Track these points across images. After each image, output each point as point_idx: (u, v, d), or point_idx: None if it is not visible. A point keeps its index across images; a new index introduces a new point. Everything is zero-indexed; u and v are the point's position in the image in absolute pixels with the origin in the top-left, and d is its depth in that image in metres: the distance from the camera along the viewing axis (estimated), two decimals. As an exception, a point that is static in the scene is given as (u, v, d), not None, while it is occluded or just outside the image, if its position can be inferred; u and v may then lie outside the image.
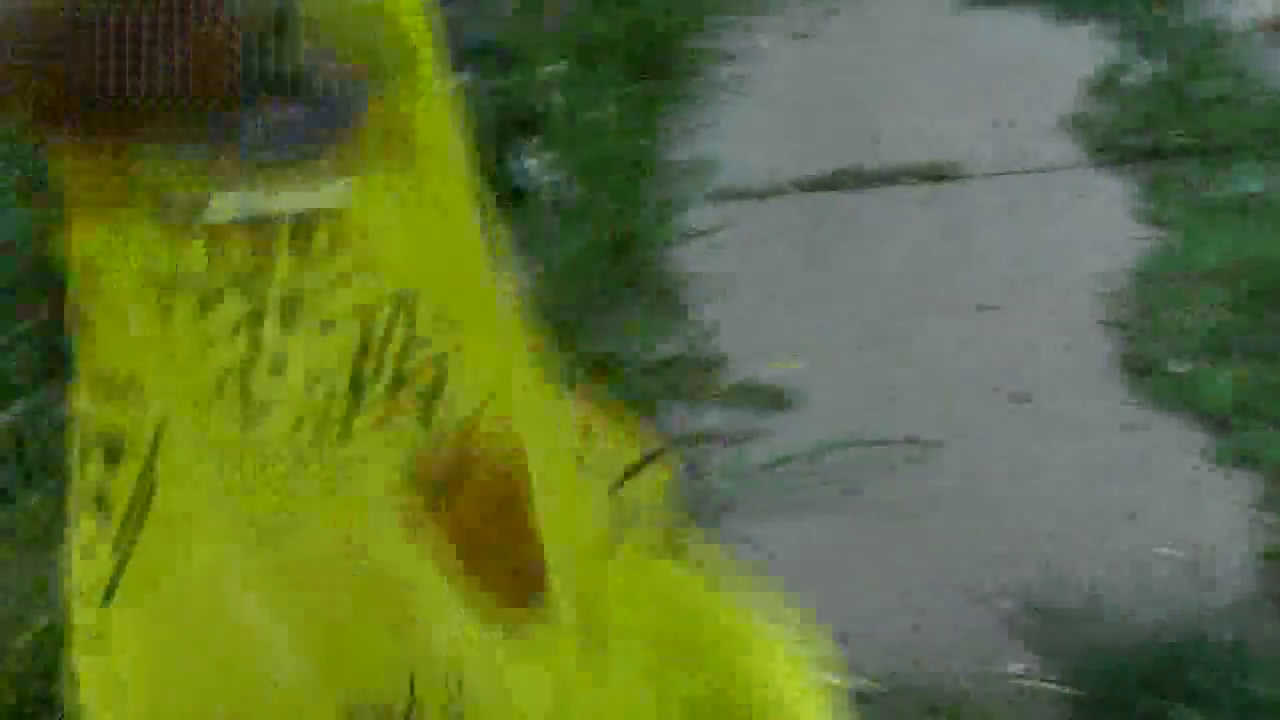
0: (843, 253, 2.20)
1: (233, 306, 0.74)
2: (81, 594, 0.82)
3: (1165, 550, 1.56)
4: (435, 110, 0.75)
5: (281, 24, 0.66)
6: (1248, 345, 1.85)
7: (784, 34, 2.85)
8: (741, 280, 2.15)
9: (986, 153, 2.41)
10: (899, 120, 2.52)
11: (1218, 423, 1.75)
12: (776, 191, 2.32)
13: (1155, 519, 1.63)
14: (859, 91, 2.64)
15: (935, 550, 1.60)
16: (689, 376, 1.94)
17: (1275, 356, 1.82)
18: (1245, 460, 1.69)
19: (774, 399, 1.87)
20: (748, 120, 2.55)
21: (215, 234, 0.73)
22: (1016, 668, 1.42)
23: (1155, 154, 2.35)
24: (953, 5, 2.95)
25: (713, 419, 1.85)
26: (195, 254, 0.73)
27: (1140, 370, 1.86)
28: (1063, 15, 2.86)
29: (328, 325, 0.76)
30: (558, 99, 2.52)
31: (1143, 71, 2.60)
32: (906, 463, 1.73)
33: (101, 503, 0.79)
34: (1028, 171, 2.37)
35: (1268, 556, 1.55)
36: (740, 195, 2.33)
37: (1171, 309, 1.96)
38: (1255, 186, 2.12)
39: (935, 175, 2.34)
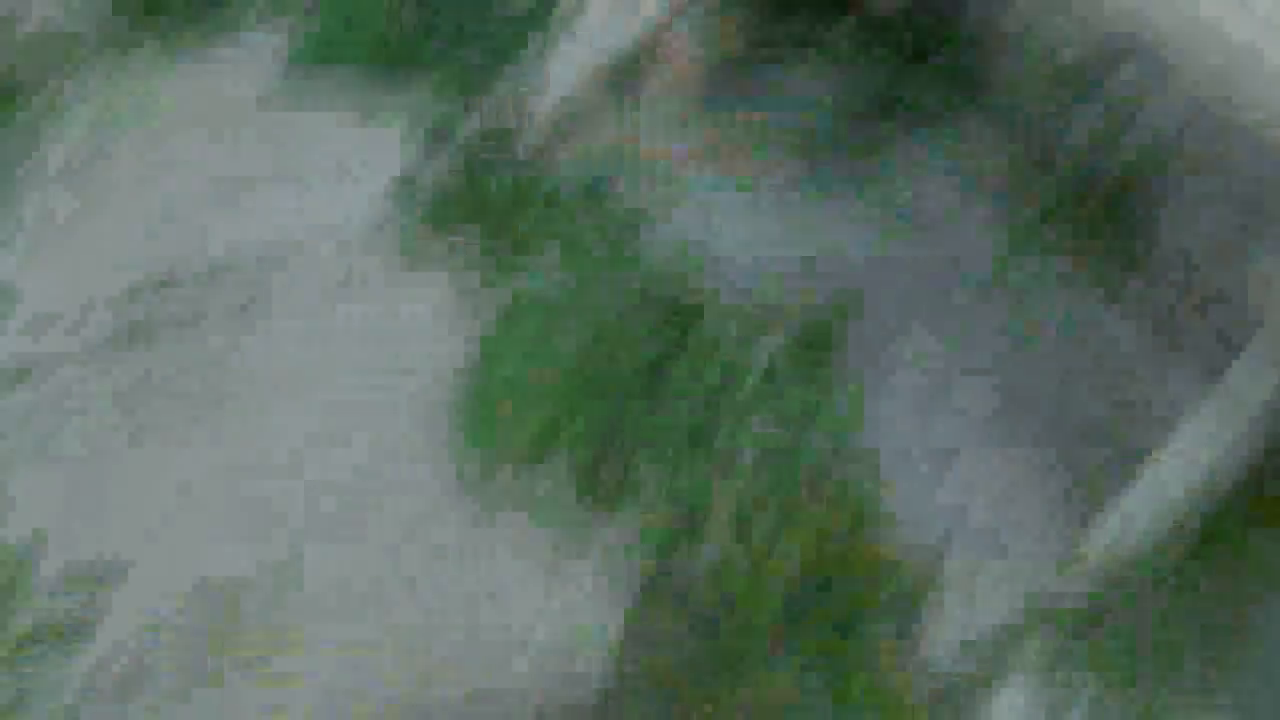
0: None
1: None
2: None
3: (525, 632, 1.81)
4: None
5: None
6: (575, 439, 1.95)
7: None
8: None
9: (291, 263, 2.18)
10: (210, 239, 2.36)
11: (556, 516, 1.93)
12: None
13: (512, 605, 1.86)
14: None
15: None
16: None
17: (604, 446, 1.94)
18: (581, 548, 1.91)
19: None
20: None
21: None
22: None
23: (457, 255, 2.34)
24: (271, 88, 2.79)
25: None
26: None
27: (478, 479, 1.98)
28: (370, 112, 2.76)
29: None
30: None
31: (439, 169, 2.59)
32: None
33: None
34: (337, 285, 2.15)
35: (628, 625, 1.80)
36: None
37: (500, 412, 2.04)
38: (543, 283, 2.19)
39: (242, 301, 2.19)
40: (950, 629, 2.22)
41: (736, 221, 2.42)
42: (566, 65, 2.61)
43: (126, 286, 2.18)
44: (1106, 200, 2.41)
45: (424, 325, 2.19)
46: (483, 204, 2.40)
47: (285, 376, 2.08)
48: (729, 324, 2.05)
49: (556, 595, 1.88)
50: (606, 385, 2.01)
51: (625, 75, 2.59)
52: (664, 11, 2.49)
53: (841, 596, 1.99)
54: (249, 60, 2.82)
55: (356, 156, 2.55)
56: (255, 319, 2.12)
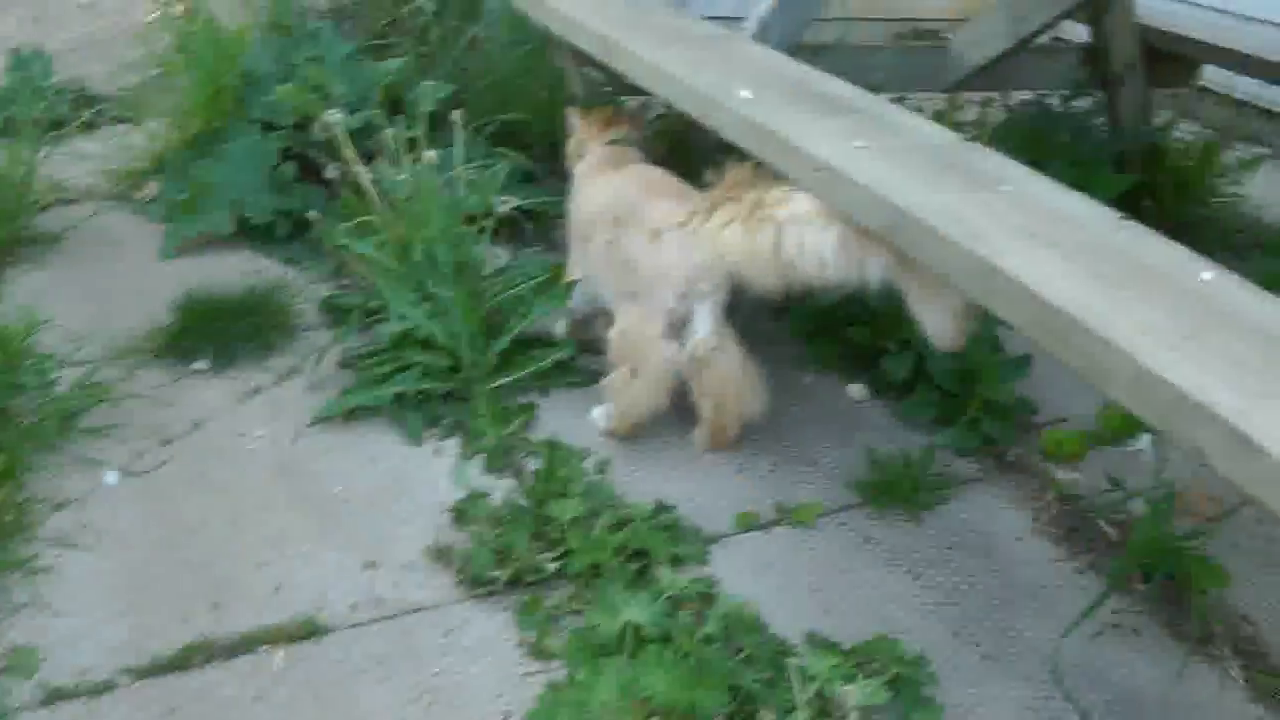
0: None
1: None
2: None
3: None
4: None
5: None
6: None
7: (112, 475, 2.51)
8: None
9: (349, 600, 2.20)
10: (251, 576, 2.26)
11: None
12: (109, 686, 1.98)
13: None
14: (203, 546, 2.34)
15: None
16: None
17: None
18: None
19: None
20: (77, 591, 2.20)
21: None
22: None
23: (524, 582, 2.25)
24: (295, 428, 2.70)
25: None
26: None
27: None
28: (417, 434, 2.71)
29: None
30: None
31: (503, 495, 2.51)
32: None
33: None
34: (394, 616, 2.18)
35: None
36: (64, 697, 1.96)
37: None
38: (630, 616, 2.05)
39: (296, 635, 2.11)
40: None
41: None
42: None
43: (155, 653, 2.11)
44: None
45: (495, 657, 2.15)
46: (542, 529, 2.32)
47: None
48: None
49: None
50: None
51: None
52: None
53: None
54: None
55: (408, 478, 2.53)
56: (309, 667, 2.06)
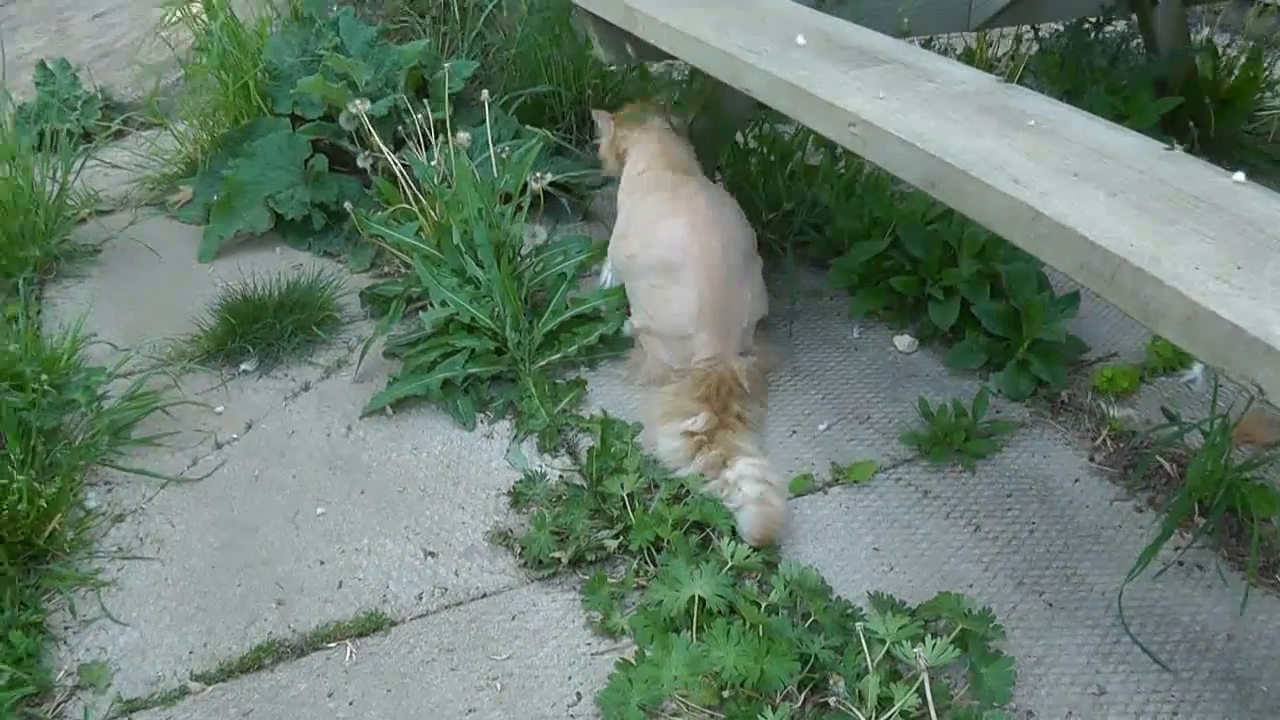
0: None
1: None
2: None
3: None
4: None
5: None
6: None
7: (170, 482, 2.54)
8: None
9: (414, 591, 2.20)
10: (313, 573, 2.27)
11: None
12: (181, 693, 2.01)
13: None
14: (264, 546, 2.36)
15: None
16: None
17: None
18: None
19: None
20: (142, 601, 2.22)
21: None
22: None
23: (586, 561, 2.25)
24: (346, 422, 2.71)
25: None
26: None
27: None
28: (469, 419, 2.70)
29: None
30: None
31: (558, 474, 2.51)
32: None
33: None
34: (460, 604, 2.17)
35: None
36: (139, 708, 1.99)
37: None
38: (694, 589, 2.03)
39: (363, 630, 2.12)
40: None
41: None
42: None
43: (225, 657, 2.13)
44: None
45: (564, 636, 2.17)
46: (601, 506, 2.36)
47: (415, 708, 1.99)
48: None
49: None
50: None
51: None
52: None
53: None
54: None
55: (462, 463, 2.53)
56: (378, 660, 2.07)
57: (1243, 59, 3.97)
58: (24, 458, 2.39)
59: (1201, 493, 2.28)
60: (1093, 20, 3.92)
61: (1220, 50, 4.05)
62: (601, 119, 3.18)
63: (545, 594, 2.21)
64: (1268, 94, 4.00)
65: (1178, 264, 1.46)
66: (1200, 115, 3.78)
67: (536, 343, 2.80)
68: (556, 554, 2.24)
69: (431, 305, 2.82)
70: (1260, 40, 4.36)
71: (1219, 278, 1.42)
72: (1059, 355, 2.74)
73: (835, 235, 3.20)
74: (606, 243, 3.07)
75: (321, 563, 2.30)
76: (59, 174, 3.50)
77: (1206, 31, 4.27)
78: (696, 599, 2.02)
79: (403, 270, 3.23)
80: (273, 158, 3.56)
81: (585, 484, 2.43)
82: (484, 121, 3.21)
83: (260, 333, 2.99)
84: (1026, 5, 3.58)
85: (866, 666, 1.83)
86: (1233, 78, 3.94)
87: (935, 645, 1.76)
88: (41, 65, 4.47)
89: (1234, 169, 1.72)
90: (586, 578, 2.21)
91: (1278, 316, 1.33)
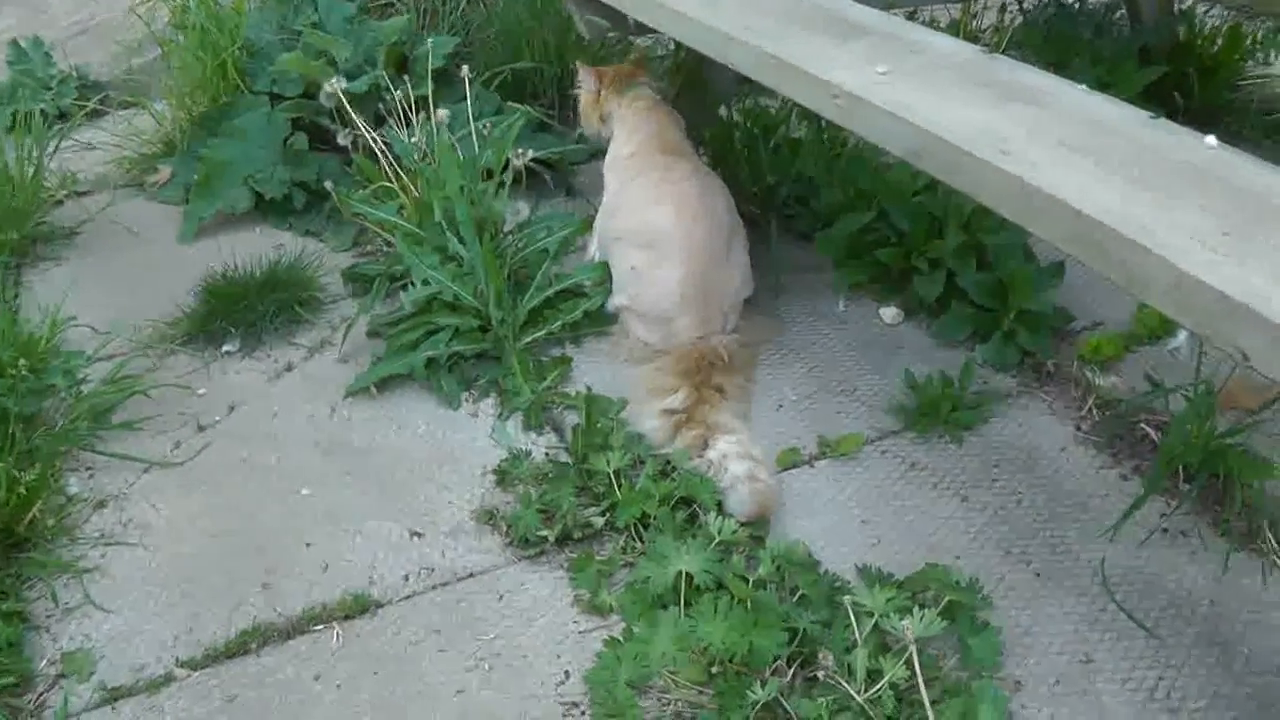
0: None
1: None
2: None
3: None
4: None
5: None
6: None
7: (152, 466, 2.51)
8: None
9: (400, 571, 2.19)
10: (299, 556, 2.25)
11: None
12: (167, 680, 1.98)
13: None
14: (248, 530, 2.34)
15: None
16: None
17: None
18: None
19: None
20: (125, 587, 2.20)
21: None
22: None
23: (573, 539, 2.24)
24: (330, 402, 2.69)
25: None
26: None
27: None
28: (453, 398, 2.68)
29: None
30: None
31: (544, 452, 2.50)
32: None
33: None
34: (447, 584, 2.16)
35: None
36: (123, 696, 1.96)
37: (647, 703, 1.87)
38: (682, 565, 2.03)
39: (349, 612, 2.10)
40: None
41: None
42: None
43: (210, 642, 2.12)
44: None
45: (552, 615, 2.15)
46: (586, 484, 2.36)
47: (403, 690, 1.97)
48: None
49: None
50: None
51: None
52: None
53: None
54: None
55: (447, 443, 2.50)
56: (366, 642, 2.06)
57: (1225, 28, 3.97)
58: (2, 444, 2.36)
59: (1185, 458, 2.29)
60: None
61: (1202, 19, 4.05)
62: (586, 73, 3.10)
63: (533, 573, 2.20)
64: (1249, 63, 4.00)
65: (1166, 232, 1.45)
66: (1184, 85, 3.78)
67: (520, 320, 2.78)
68: (543, 532, 2.23)
69: (414, 284, 2.79)
70: (1241, 9, 4.36)
71: (1206, 245, 1.42)
72: (1045, 325, 2.73)
73: (821, 209, 3.19)
74: (590, 218, 3.05)
75: (307, 545, 2.29)
76: (34, 155, 3.45)
77: (1189, 1, 4.25)
78: (684, 575, 2.01)
79: (385, 249, 3.20)
80: (252, 136, 3.52)
81: (571, 461, 2.42)
82: (465, 98, 3.18)
83: (242, 313, 2.96)
84: (1010, -25, 3.57)
85: (855, 639, 1.83)
86: (1216, 47, 3.93)
87: (923, 617, 1.76)
88: (14, 43, 4.41)
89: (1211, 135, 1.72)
90: (574, 556, 2.20)
91: (1264, 283, 1.32)
